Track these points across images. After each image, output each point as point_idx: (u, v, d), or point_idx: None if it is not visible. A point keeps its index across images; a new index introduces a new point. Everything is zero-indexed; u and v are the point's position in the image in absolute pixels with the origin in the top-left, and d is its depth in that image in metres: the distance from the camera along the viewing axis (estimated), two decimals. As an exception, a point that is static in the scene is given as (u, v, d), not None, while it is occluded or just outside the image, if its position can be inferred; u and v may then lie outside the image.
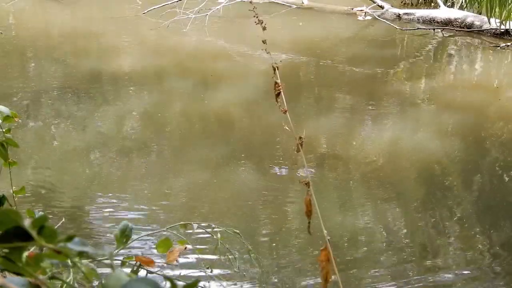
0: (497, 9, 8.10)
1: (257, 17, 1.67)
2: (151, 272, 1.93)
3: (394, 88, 6.64)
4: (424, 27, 8.73)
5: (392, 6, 9.36)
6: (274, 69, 1.57)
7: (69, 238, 0.72)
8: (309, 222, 1.44)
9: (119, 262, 1.76)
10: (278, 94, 1.58)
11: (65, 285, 1.28)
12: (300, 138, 1.49)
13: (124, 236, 1.70)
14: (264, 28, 1.66)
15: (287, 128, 1.51)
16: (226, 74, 6.94)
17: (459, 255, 3.87)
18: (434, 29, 8.62)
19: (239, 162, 4.94)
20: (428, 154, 5.14)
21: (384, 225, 4.15)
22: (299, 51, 7.66)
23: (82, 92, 6.35)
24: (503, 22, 8.09)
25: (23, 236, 0.71)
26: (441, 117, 5.86)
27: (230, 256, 2.68)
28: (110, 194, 4.47)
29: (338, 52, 7.84)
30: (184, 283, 0.72)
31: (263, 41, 1.64)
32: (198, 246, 3.36)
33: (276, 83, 1.56)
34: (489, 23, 8.23)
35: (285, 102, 1.54)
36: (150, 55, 7.61)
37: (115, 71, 6.98)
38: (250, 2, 1.74)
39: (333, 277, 1.33)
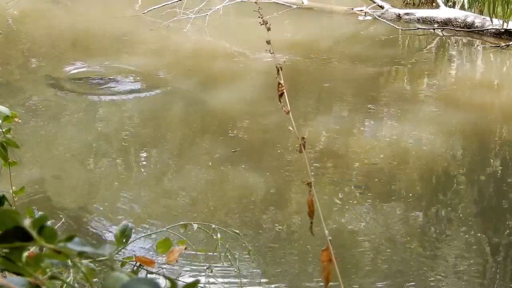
0: (499, 9, 8.09)
1: (261, 18, 1.67)
2: (151, 272, 1.93)
3: (395, 88, 6.63)
4: (424, 27, 8.73)
5: (392, 6, 9.35)
6: (278, 70, 1.56)
7: (69, 238, 0.71)
8: (311, 222, 1.44)
9: (119, 262, 1.75)
10: (281, 95, 1.58)
11: (65, 285, 1.28)
12: (303, 138, 1.48)
13: (124, 236, 1.69)
14: (268, 29, 1.65)
15: (290, 128, 1.50)
16: (226, 74, 6.94)
17: (461, 256, 3.87)
18: (434, 29, 8.62)
19: (240, 162, 4.94)
20: (429, 153, 5.13)
21: (385, 225, 4.15)
22: (299, 51, 7.65)
23: (81, 92, 6.35)
24: (505, 21, 8.08)
25: (23, 236, 0.70)
26: (442, 116, 5.86)
27: (230, 257, 2.68)
28: (111, 194, 4.47)
29: (338, 52, 7.83)
30: (184, 283, 0.72)
31: (267, 42, 1.63)
32: (198, 247, 3.36)
33: (279, 83, 1.56)
34: (492, 22, 8.22)
35: (288, 103, 1.54)
36: (150, 55, 7.60)
37: (114, 71, 6.98)
38: (256, 2, 1.73)
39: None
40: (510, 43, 7.86)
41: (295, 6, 9.66)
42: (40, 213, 1.45)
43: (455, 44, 8.43)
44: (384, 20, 8.91)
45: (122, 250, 1.73)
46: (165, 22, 8.58)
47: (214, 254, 2.43)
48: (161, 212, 4.25)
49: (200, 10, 8.84)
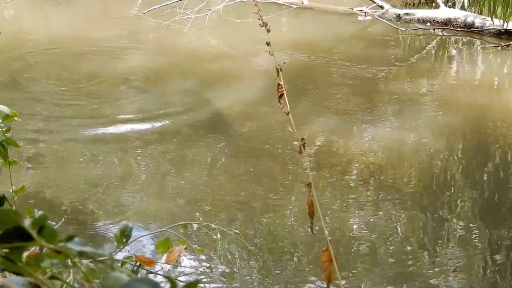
0: (499, 9, 8.09)
1: (261, 19, 1.67)
2: (151, 272, 1.93)
3: (395, 89, 6.63)
4: (424, 27, 8.72)
5: (392, 6, 9.34)
6: (278, 71, 1.56)
7: (69, 238, 0.71)
8: (311, 223, 1.44)
9: (119, 262, 1.75)
10: (281, 96, 1.58)
11: (65, 285, 1.28)
12: (303, 139, 1.48)
13: (124, 236, 1.69)
14: (268, 31, 1.65)
15: (290, 129, 1.50)
16: (226, 74, 6.93)
17: (461, 258, 3.87)
18: (434, 29, 8.62)
19: (241, 162, 4.94)
20: (429, 154, 5.13)
21: (386, 226, 4.15)
22: (299, 52, 7.65)
23: (81, 93, 6.35)
24: (506, 21, 8.07)
25: (23, 236, 0.70)
26: (442, 117, 5.86)
27: (230, 256, 2.68)
28: (111, 194, 4.47)
29: (338, 52, 7.83)
30: (184, 283, 0.72)
31: (267, 43, 1.63)
32: (198, 246, 3.36)
33: (279, 84, 1.56)
34: (492, 22, 8.22)
35: (287, 104, 1.54)
36: (150, 56, 7.60)
37: (115, 71, 6.98)
38: (255, 4, 1.73)
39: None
40: (510, 43, 7.86)
41: (295, 6, 9.66)
42: (40, 213, 1.45)
43: (455, 44, 8.43)
44: (384, 20, 8.91)
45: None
46: (165, 22, 8.58)
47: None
48: (161, 212, 4.24)
49: (200, 10, 8.84)
